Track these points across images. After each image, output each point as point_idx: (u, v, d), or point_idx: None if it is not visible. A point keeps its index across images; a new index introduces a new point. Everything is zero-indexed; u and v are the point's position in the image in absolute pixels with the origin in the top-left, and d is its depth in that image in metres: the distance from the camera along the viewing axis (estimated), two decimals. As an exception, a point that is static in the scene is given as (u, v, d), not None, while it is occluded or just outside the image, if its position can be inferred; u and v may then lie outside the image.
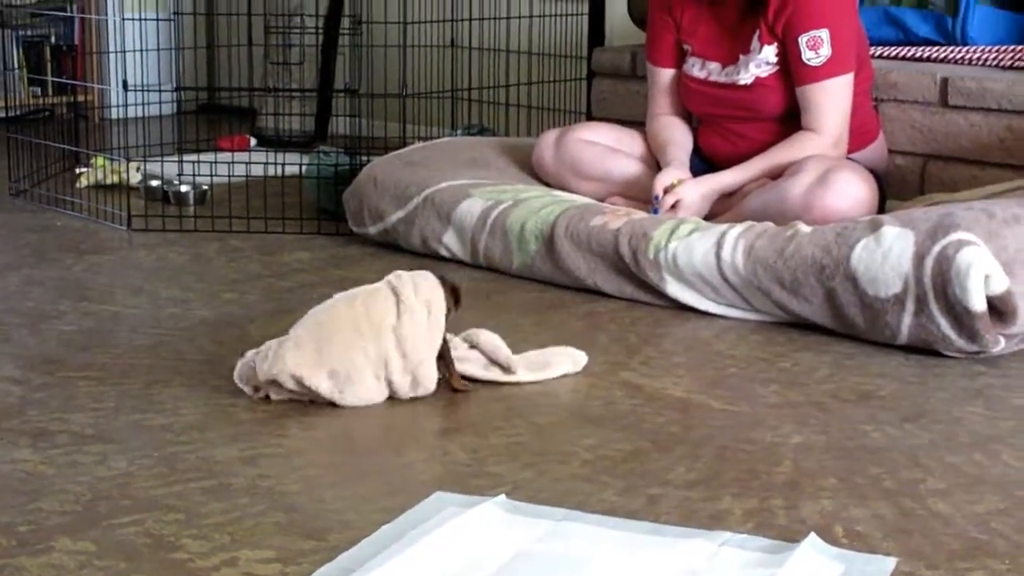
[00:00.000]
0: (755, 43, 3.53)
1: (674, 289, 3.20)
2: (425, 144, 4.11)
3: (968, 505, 2.13)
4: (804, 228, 3.12)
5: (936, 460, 2.32)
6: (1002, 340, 2.85)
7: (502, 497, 2.09)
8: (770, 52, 3.51)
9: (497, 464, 2.28)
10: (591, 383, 2.70)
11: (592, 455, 2.32)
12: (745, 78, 3.55)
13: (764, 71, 3.53)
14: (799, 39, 3.46)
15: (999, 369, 2.82)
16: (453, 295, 2.65)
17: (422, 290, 2.61)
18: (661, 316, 3.18)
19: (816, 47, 3.45)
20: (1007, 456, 2.35)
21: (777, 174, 3.44)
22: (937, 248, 2.85)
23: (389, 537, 1.95)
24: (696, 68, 3.66)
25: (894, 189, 3.72)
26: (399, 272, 2.67)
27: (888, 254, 2.91)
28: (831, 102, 3.48)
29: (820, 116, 3.48)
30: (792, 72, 3.50)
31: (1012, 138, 3.69)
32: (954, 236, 2.85)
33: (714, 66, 3.62)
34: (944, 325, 2.84)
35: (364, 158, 4.03)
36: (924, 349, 2.90)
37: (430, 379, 2.58)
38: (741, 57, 3.56)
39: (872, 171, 3.47)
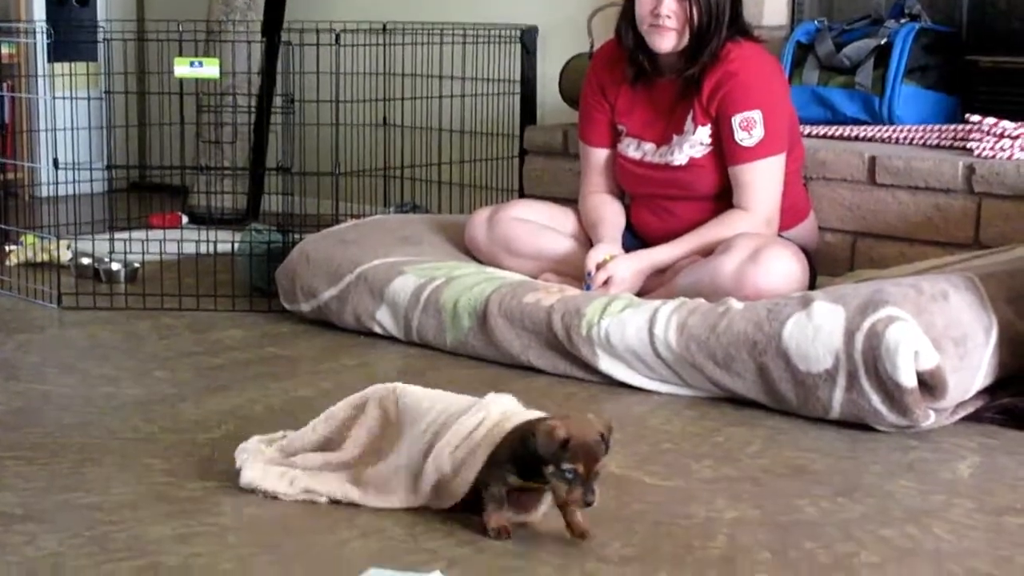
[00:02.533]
0: (689, 124, 3.57)
1: (607, 365, 3.21)
2: (358, 222, 4.12)
3: (902, 578, 2.15)
4: (736, 304, 3.14)
5: (869, 533, 2.34)
6: (932, 414, 2.87)
7: (437, 573, 2.07)
8: (704, 133, 3.55)
9: (432, 540, 2.27)
10: (526, 459, 2.70)
11: (527, 532, 2.31)
12: (679, 158, 3.58)
13: (698, 151, 3.57)
14: (732, 119, 3.50)
15: (930, 443, 2.85)
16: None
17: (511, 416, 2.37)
18: (595, 392, 3.19)
19: (749, 128, 3.49)
20: (939, 529, 2.36)
21: (709, 251, 3.46)
22: (867, 324, 2.88)
23: (324, 615, 1.94)
24: (631, 148, 3.69)
25: (824, 266, 3.76)
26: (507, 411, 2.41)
27: (819, 330, 2.94)
28: (763, 182, 3.52)
29: (752, 195, 3.51)
30: (725, 152, 3.53)
31: (939, 216, 3.74)
32: (884, 312, 2.88)
33: (649, 146, 3.65)
34: (875, 400, 2.86)
35: (296, 236, 4.03)
36: (856, 423, 2.92)
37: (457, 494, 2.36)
38: (675, 137, 3.59)
39: (803, 248, 3.50)
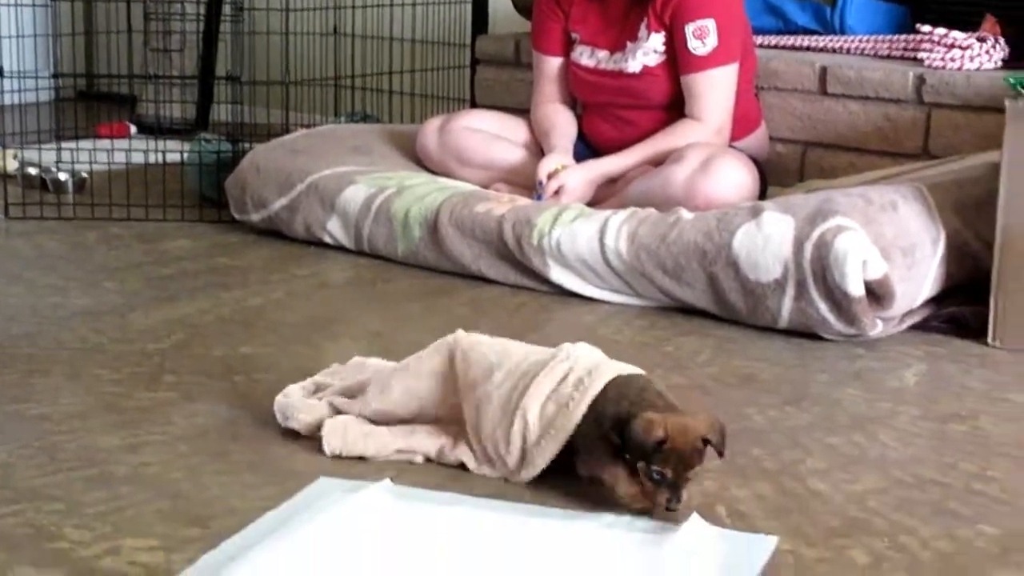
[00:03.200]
0: (643, 31, 3.55)
1: (558, 275, 3.22)
2: (308, 131, 4.09)
3: (847, 484, 2.17)
4: (686, 214, 3.14)
5: (816, 441, 2.36)
6: (879, 323, 2.90)
7: (387, 482, 2.08)
8: (657, 40, 3.53)
9: (383, 450, 2.27)
10: (476, 369, 2.70)
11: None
12: (633, 66, 3.57)
13: (652, 59, 3.55)
14: (686, 28, 3.49)
15: (877, 352, 2.87)
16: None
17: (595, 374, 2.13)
18: (545, 302, 3.19)
19: (702, 36, 3.48)
20: (884, 436, 2.39)
21: (660, 161, 3.46)
22: (816, 233, 2.89)
23: (274, 523, 1.94)
24: (585, 56, 3.67)
25: (775, 176, 3.76)
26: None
27: (769, 240, 2.95)
28: (715, 91, 3.51)
29: (704, 105, 3.51)
30: (678, 60, 3.52)
31: (889, 126, 3.75)
32: (833, 222, 2.89)
33: (603, 54, 3.64)
34: (823, 309, 2.88)
35: (246, 145, 4.00)
36: (804, 332, 2.94)
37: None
38: (629, 44, 3.58)
39: (753, 158, 3.51)
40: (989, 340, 2.91)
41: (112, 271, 3.39)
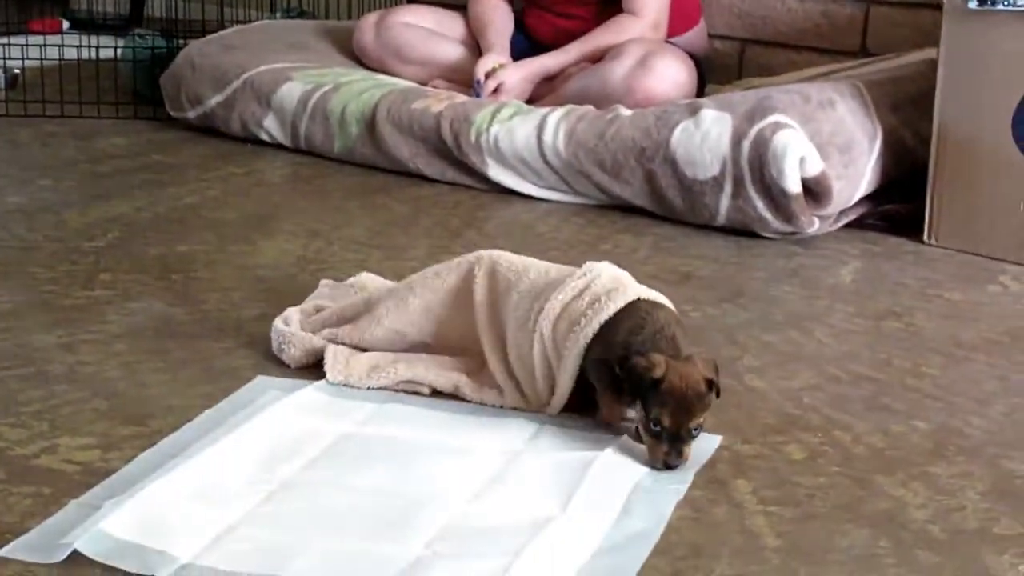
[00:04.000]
0: None
1: (496, 172, 3.21)
2: (243, 27, 4.05)
3: (783, 381, 2.18)
4: (624, 112, 3.14)
5: (752, 338, 2.38)
6: (816, 221, 2.91)
7: (324, 381, 2.08)
8: None
9: (321, 348, 2.27)
10: (413, 267, 2.69)
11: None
12: None
13: None
14: None
15: (814, 250, 2.89)
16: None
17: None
18: (483, 200, 3.19)
19: None
20: (820, 334, 2.41)
21: (598, 58, 3.44)
22: (754, 131, 2.89)
23: (211, 422, 1.94)
24: (521, -50, 3.64)
25: (713, 73, 3.76)
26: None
27: (707, 137, 2.95)
28: None
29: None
30: None
31: (827, 23, 3.74)
32: (771, 119, 2.89)
33: None
34: (761, 207, 2.89)
35: (181, 41, 3.95)
36: (742, 231, 2.96)
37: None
38: None
39: (692, 55, 3.49)
40: (924, 237, 2.94)
41: (46, 169, 3.35)
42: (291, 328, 2.21)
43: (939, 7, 2.90)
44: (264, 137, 3.58)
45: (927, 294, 2.64)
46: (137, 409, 1.99)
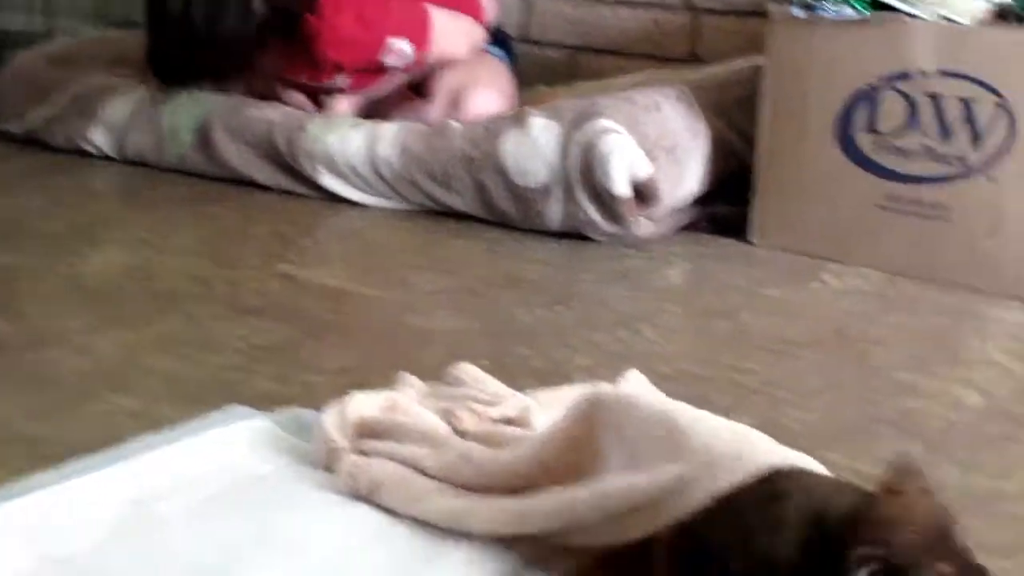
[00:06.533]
0: None
1: (328, 181, 3.20)
2: (69, 39, 3.99)
3: (611, 379, 2.20)
4: (455, 124, 3.15)
5: (582, 339, 2.40)
6: (645, 224, 2.95)
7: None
8: None
9: (149, 356, 2.24)
10: (246, 275, 2.68)
11: (246, 344, 2.31)
12: None
13: None
14: None
15: (643, 252, 2.92)
16: None
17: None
18: (316, 207, 3.17)
19: None
20: (648, 333, 2.44)
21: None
22: (581, 136, 2.92)
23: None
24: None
25: (543, 79, 3.79)
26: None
27: (535, 144, 2.97)
28: None
29: None
30: None
31: (658, 31, 3.79)
32: (597, 124, 2.92)
33: None
34: (591, 210, 2.92)
35: (3, 52, 3.88)
36: (574, 234, 2.98)
37: None
38: None
39: (497, 34, 3.53)
40: (751, 238, 2.99)
41: None
42: (337, 439, 1.79)
43: (766, 15, 2.96)
44: (91, 150, 3.52)
45: (752, 293, 2.69)
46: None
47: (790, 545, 1.24)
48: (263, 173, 3.29)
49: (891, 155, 2.82)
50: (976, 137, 2.71)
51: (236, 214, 3.11)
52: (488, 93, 3.38)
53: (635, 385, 2.04)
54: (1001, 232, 2.71)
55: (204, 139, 3.34)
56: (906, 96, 2.78)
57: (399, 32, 3.36)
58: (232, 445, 1.89)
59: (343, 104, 3.48)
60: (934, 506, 1.25)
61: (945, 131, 2.75)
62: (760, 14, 3.19)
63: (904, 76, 2.77)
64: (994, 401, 2.20)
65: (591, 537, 1.46)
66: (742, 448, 1.35)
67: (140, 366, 2.20)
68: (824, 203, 2.90)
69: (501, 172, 3.00)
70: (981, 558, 1.32)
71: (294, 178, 3.25)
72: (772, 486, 1.30)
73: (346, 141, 3.17)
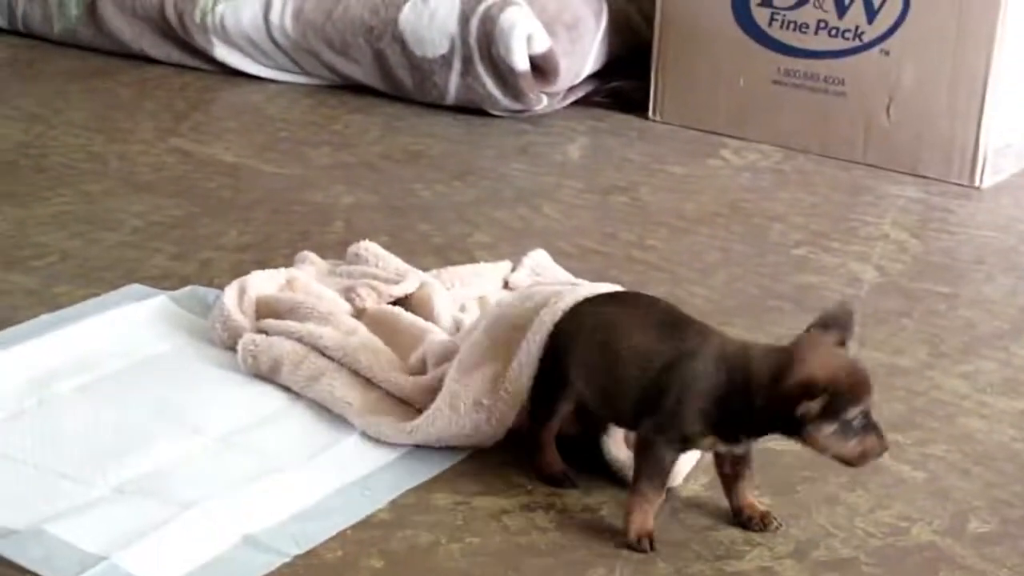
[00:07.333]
0: None
1: (222, 53, 3.14)
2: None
3: (513, 257, 2.20)
4: (353, -10, 3.11)
5: (483, 215, 2.40)
6: (544, 99, 2.93)
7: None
8: None
9: (44, 234, 2.21)
10: (140, 150, 2.65)
11: (142, 222, 2.28)
12: None
13: None
14: None
15: (542, 127, 2.91)
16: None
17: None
18: (210, 82, 3.12)
19: None
20: (548, 209, 2.44)
21: None
22: (481, 8, 2.89)
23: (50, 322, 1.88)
24: None
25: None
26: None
27: (435, 15, 2.94)
28: None
29: None
30: None
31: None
32: (498, -4, 2.90)
33: None
34: (490, 84, 2.90)
35: None
36: (472, 109, 2.96)
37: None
38: None
39: None
40: (649, 114, 2.99)
41: None
42: (237, 318, 1.86)
43: None
44: (-22, 19, 3.44)
45: (651, 168, 2.70)
46: None
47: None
48: (155, 47, 3.22)
49: (787, 29, 2.82)
50: (871, 10, 2.72)
51: (129, 89, 3.05)
52: None
53: (539, 263, 2.05)
54: (895, 106, 2.73)
55: (92, 11, 3.26)
56: (804, -30, 2.78)
57: None
58: (130, 324, 1.89)
59: None
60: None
61: (841, 5, 2.75)
62: None
63: (803, -50, 2.78)
64: (889, 277, 2.23)
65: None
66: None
67: (35, 244, 2.17)
68: (721, 79, 2.90)
69: (400, 42, 2.97)
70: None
71: (188, 52, 3.19)
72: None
73: (238, 10, 3.11)
